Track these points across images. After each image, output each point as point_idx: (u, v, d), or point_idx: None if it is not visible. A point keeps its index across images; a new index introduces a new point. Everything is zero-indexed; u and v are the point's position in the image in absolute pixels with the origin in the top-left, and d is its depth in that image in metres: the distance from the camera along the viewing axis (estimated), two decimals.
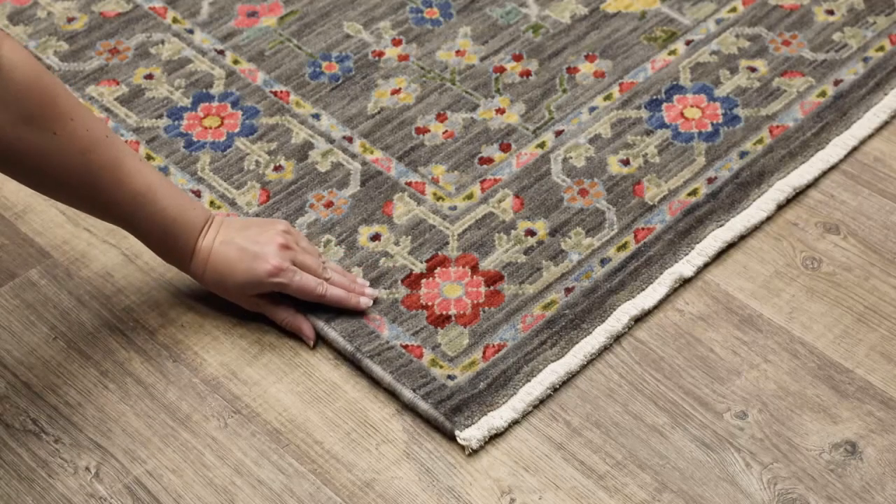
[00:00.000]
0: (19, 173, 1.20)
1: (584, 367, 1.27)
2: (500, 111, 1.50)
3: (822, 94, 1.51)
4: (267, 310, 1.30)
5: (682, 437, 1.22)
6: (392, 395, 1.26)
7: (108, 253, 1.38)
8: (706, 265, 1.35)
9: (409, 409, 1.24)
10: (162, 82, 1.54)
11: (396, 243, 1.38)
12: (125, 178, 1.22)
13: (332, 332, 1.29)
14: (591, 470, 1.20)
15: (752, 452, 1.21)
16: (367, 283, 1.33)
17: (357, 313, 1.31)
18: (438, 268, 1.35)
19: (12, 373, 1.28)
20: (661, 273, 1.34)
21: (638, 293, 1.32)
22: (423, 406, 1.24)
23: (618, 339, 1.30)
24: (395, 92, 1.53)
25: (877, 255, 1.36)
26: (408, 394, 1.24)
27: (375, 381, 1.26)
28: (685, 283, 1.34)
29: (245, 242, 1.27)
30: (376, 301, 1.32)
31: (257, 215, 1.40)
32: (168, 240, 1.26)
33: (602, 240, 1.37)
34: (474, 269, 1.35)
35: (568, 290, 1.33)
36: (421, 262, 1.36)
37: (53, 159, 1.18)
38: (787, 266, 1.35)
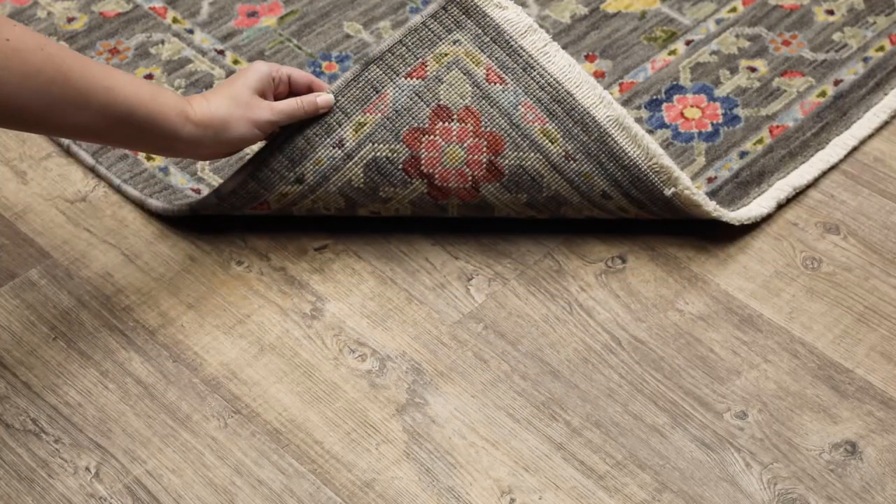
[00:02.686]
0: None
1: (583, 367, 1.27)
2: None
3: (822, 94, 1.51)
4: (281, 108, 1.30)
5: (682, 437, 1.22)
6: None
7: (108, 253, 1.38)
8: (707, 263, 1.35)
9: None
10: (162, 82, 1.54)
11: None
12: (90, 62, 1.18)
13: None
14: (591, 470, 1.20)
15: (752, 452, 1.21)
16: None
17: None
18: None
19: (12, 373, 1.28)
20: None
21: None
22: None
23: (618, 338, 1.30)
24: None
25: (877, 255, 1.36)
26: None
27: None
28: (685, 283, 1.34)
29: (231, 77, 1.31)
30: None
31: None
32: (159, 96, 1.22)
33: None
34: None
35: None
36: None
37: (15, 63, 1.12)
38: (787, 266, 1.35)
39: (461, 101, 1.27)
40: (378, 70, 1.30)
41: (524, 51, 1.26)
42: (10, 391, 1.26)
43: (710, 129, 1.48)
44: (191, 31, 1.60)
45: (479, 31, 1.20)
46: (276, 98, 1.33)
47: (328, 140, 1.30)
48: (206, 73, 1.55)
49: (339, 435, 1.23)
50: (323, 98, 1.31)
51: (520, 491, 1.19)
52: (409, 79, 1.26)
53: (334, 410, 1.25)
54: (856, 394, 1.25)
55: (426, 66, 1.25)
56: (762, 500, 1.18)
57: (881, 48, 1.56)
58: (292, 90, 1.33)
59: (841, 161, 1.45)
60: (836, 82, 1.52)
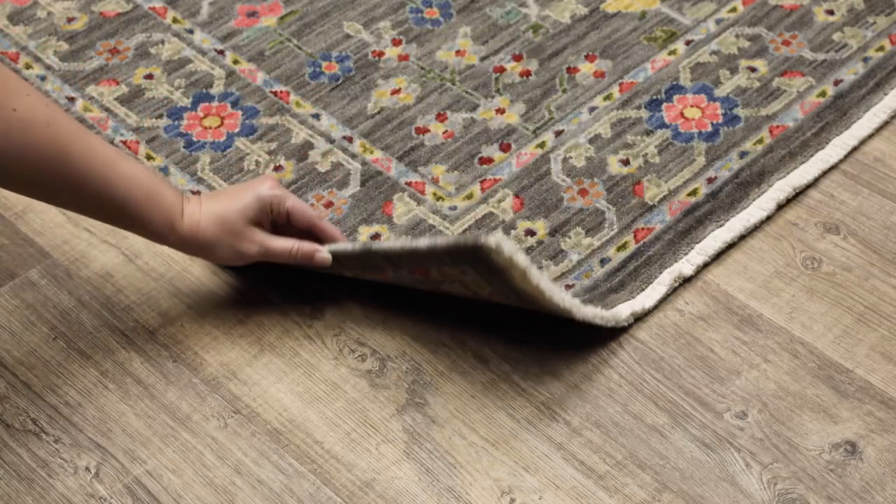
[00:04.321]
0: None
1: (583, 367, 1.27)
2: (500, 111, 1.50)
3: (822, 94, 1.51)
4: (271, 245, 1.25)
5: (682, 437, 1.22)
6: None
7: (108, 253, 1.38)
8: (706, 265, 1.35)
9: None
10: (162, 82, 1.54)
11: None
12: (95, 145, 1.18)
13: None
14: (591, 470, 1.20)
15: (752, 452, 1.21)
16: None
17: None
18: None
19: (12, 373, 1.28)
20: (661, 273, 1.34)
21: (637, 293, 1.32)
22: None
23: (618, 338, 1.30)
24: (395, 92, 1.53)
25: (877, 255, 1.36)
26: None
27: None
28: (685, 283, 1.34)
29: (235, 187, 1.27)
30: None
31: None
32: (152, 199, 1.21)
33: (602, 240, 1.37)
34: None
35: (568, 287, 1.33)
36: None
37: (18, 137, 1.12)
38: (787, 266, 1.35)
39: (463, 290, 1.26)
40: (381, 259, 1.26)
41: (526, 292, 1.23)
42: (10, 391, 1.26)
43: (710, 129, 1.48)
44: (191, 31, 1.60)
45: (487, 269, 1.18)
46: (276, 223, 1.28)
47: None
48: (206, 73, 1.55)
49: (339, 435, 1.23)
50: (320, 256, 1.27)
51: (520, 491, 1.19)
52: (411, 273, 1.25)
53: (334, 410, 1.25)
54: (856, 394, 1.25)
55: (430, 272, 1.24)
56: (762, 500, 1.18)
57: (881, 48, 1.56)
58: (291, 224, 1.28)
59: (841, 161, 1.45)
60: (836, 82, 1.52)
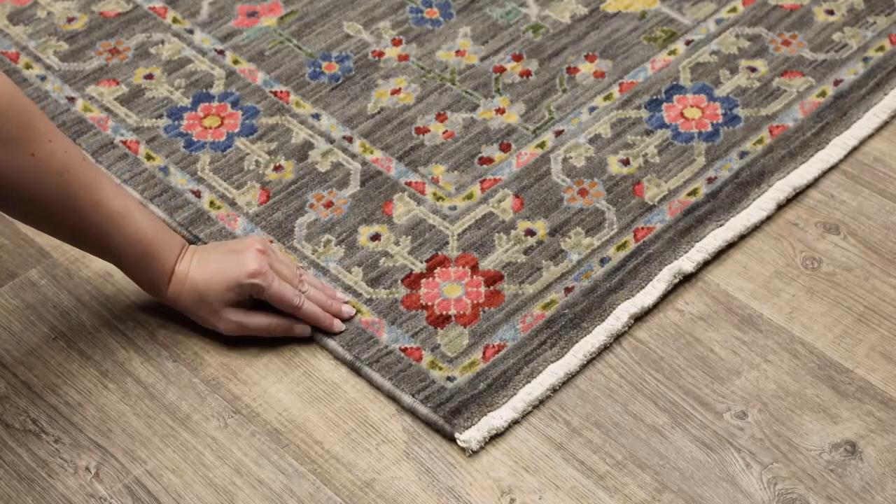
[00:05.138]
0: None
1: (584, 367, 1.27)
2: (500, 111, 1.50)
3: (822, 94, 1.51)
4: (248, 324, 1.28)
5: (682, 437, 1.22)
6: (392, 397, 1.26)
7: None
8: (706, 264, 1.35)
9: (409, 411, 1.25)
10: (162, 82, 1.54)
11: (396, 243, 1.38)
12: (103, 200, 1.21)
13: (330, 341, 1.29)
14: (591, 470, 1.20)
15: (752, 452, 1.21)
16: (345, 300, 1.31)
17: (356, 321, 1.31)
18: (438, 268, 1.35)
19: (12, 373, 1.28)
20: (661, 270, 1.34)
21: (637, 291, 1.32)
22: (423, 410, 1.24)
23: (618, 338, 1.30)
24: (395, 92, 1.53)
25: (877, 255, 1.36)
26: (407, 399, 1.24)
27: (376, 385, 1.26)
28: (685, 283, 1.34)
29: (223, 253, 1.28)
30: (376, 302, 1.32)
31: (257, 215, 1.40)
32: (145, 262, 1.25)
33: (602, 239, 1.37)
34: (474, 269, 1.35)
35: (568, 290, 1.33)
36: (421, 262, 1.36)
37: (31, 180, 1.17)
38: (787, 266, 1.35)
39: None
40: None
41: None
42: (10, 391, 1.26)
43: (710, 129, 1.48)
44: (191, 31, 1.60)
45: None
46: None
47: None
48: (206, 73, 1.55)
49: (339, 435, 1.23)
50: (299, 329, 1.28)
51: (520, 491, 1.19)
52: None
53: (334, 410, 1.25)
54: (856, 394, 1.25)
55: None
56: (762, 500, 1.17)
57: (881, 48, 1.56)
58: (272, 305, 1.28)
59: (841, 161, 1.45)
60: (836, 82, 1.52)
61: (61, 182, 1.18)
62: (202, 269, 1.27)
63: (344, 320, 1.30)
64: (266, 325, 1.28)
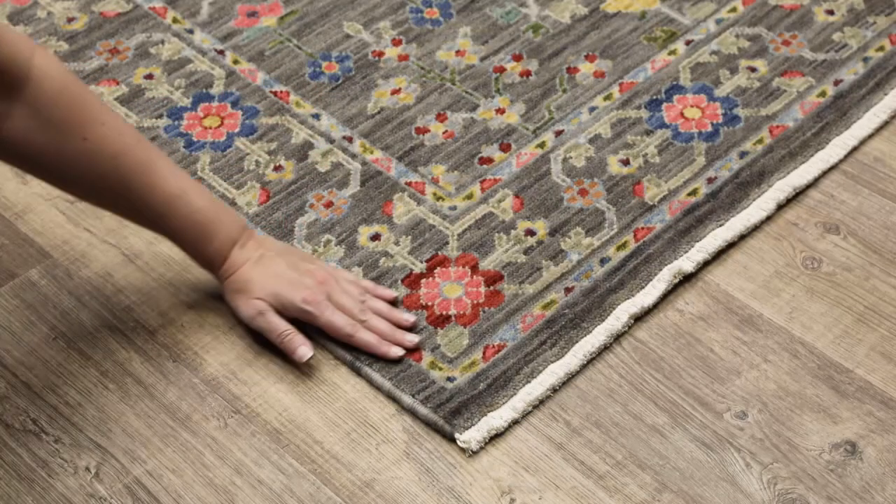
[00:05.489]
0: (52, 178, 1.22)
1: (584, 367, 1.27)
2: (500, 111, 1.50)
3: (822, 94, 1.51)
4: (269, 319, 1.27)
5: (682, 437, 1.22)
6: (392, 397, 1.26)
7: (108, 253, 1.38)
8: (706, 264, 1.35)
9: (409, 411, 1.24)
10: (162, 82, 1.54)
11: (396, 243, 1.38)
12: (158, 181, 1.22)
13: (329, 341, 1.29)
14: (591, 470, 1.20)
15: (752, 452, 1.21)
16: (411, 321, 1.29)
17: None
18: (438, 268, 1.35)
19: (12, 373, 1.28)
20: (661, 270, 1.34)
21: (637, 291, 1.32)
22: (423, 410, 1.24)
23: (618, 338, 1.30)
24: (395, 92, 1.53)
25: (877, 255, 1.36)
26: (407, 399, 1.24)
27: (375, 385, 1.26)
28: (685, 283, 1.34)
29: (288, 266, 1.28)
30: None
31: (257, 215, 1.40)
32: (201, 243, 1.26)
33: (602, 239, 1.37)
34: (474, 269, 1.35)
35: (568, 290, 1.33)
36: (421, 262, 1.36)
37: (84, 164, 1.19)
38: (787, 266, 1.35)
39: None
40: None
41: None
42: (10, 391, 1.26)
43: (710, 129, 1.48)
44: (191, 31, 1.60)
45: None
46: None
47: None
48: (206, 73, 1.55)
49: (339, 435, 1.23)
50: (301, 352, 1.26)
51: (520, 491, 1.19)
52: None
53: (334, 410, 1.25)
54: (856, 394, 1.25)
55: None
56: (762, 500, 1.17)
57: (881, 48, 1.56)
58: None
59: (841, 161, 1.45)
60: (836, 82, 1.52)
61: (115, 165, 1.19)
62: (261, 272, 1.27)
63: (407, 350, 1.28)
64: (280, 330, 1.26)
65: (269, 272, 1.27)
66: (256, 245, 1.28)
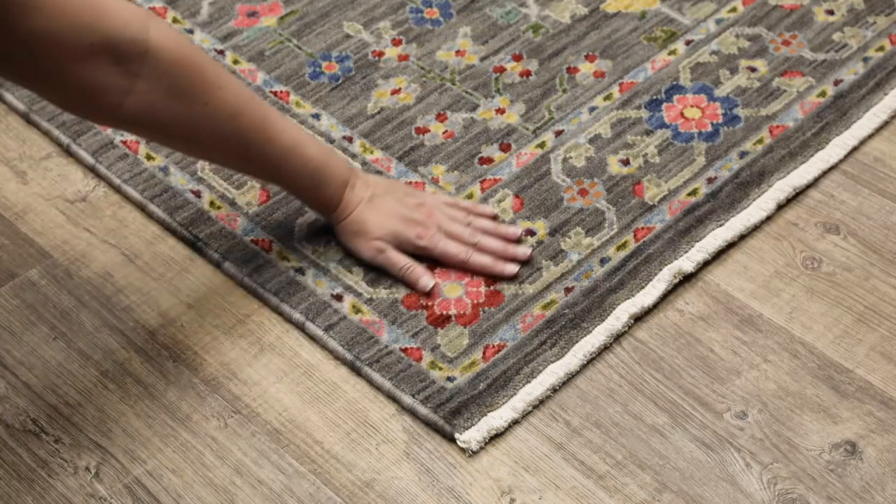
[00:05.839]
0: (174, 142, 1.27)
1: (584, 367, 1.27)
2: (500, 111, 1.50)
3: (822, 94, 1.51)
4: (390, 256, 1.33)
5: (682, 437, 1.22)
6: (392, 397, 1.26)
7: (108, 253, 1.38)
8: (706, 264, 1.35)
9: (409, 411, 1.25)
10: None
11: None
12: (273, 136, 1.27)
13: (331, 340, 1.29)
14: (591, 470, 1.20)
15: (752, 452, 1.21)
16: (519, 234, 1.36)
17: (356, 321, 1.31)
18: (438, 268, 1.35)
19: (12, 373, 1.28)
20: (661, 270, 1.34)
21: (637, 291, 1.32)
22: (423, 410, 1.24)
23: (618, 338, 1.30)
24: (395, 92, 1.53)
25: (877, 255, 1.36)
26: (407, 399, 1.24)
27: (376, 385, 1.27)
28: (685, 283, 1.34)
29: (397, 201, 1.34)
30: (376, 302, 1.32)
31: (257, 215, 1.40)
32: (316, 190, 1.32)
33: (602, 239, 1.37)
34: None
35: (568, 290, 1.33)
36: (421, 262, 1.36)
37: (206, 127, 1.23)
38: (787, 266, 1.35)
39: None
40: None
41: None
42: (10, 391, 1.26)
43: (710, 129, 1.48)
44: (191, 31, 1.60)
45: None
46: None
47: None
48: None
49: (339, 435, 1.23)
50: (424, 281, 1.32)
51: (520, 491, 1.19)
52: None
53: (334, 410, 1.25)
54: (856, 394, 1.25)
55: None
56: (762, 500, 1.18)
57: (881, 48, 1.56)
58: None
59: (841, 161, 1.45)
60: (836, 82, 1.52)
61: (234, 126, 1.24)
62: (376, 213, 1.33)
63: (521, 261, 1.34)
64: (401, 266, 1.33)
65: (382, 212, 1.33)
66: (364, 185, 1.34)
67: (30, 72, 1.13)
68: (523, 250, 1.34)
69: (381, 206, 1.33)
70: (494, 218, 1.38)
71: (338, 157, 1.34)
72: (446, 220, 1.34)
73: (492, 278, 1.33)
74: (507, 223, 1.37)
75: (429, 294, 1.32)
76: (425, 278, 1.32)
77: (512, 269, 1.33)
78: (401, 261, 1.33)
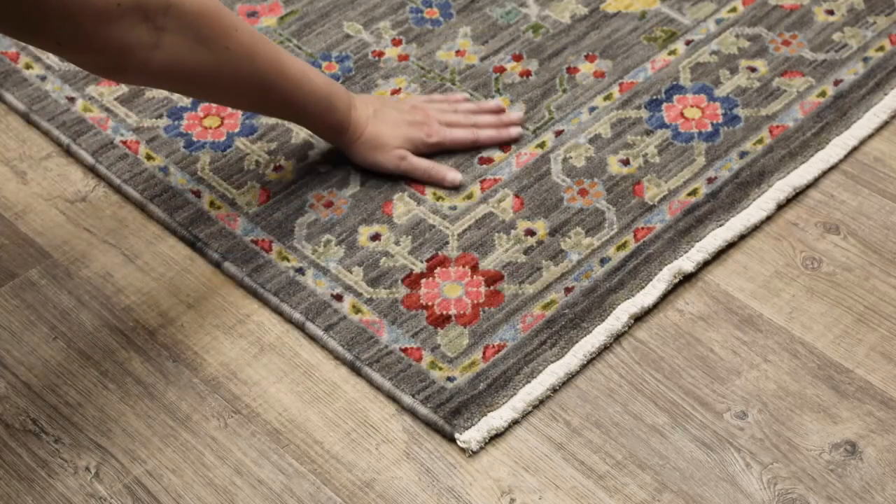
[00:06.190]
0: (197, 90, 1.32)
1: (584, 367, 1.27)
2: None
3: (822, 94, 1.51)
4: (413, 162, 1.41)
5: (682, 437, 1.22)
6: (392, 397, 1.26)
7: (108, 253, 1.38)
8: (706, 264, 1.35)
9: (409, 411, 1.25)
10: None
11: (397, 243, 1.38)
12: (285, 71, 1.32)
13: (331, 340, 1.29)
14: (591, 470, 1.20)
15: (752, 452, 1.21)
16: (498, 103, 1.48)
17: (356, 321, 1.31)
18: (438, 268, 1.35)
19: (12, 373, 1.28)
20: (661, 270, 1.34)
21: (637, 291, 1.32)
22: (423, 410, 1.24)
23: (618, 338, 1.30)
24: (395, 92, 1.53)
25: (877, 255, 1.36)
26: (407, 399, 1.24)
27: (376, 385, 1.27)
28: (685, 283, 1.34)
29: (397, 113, 1.42)
30: (376, 302, 1.32)
31: (257, 215, 1.40)
32: (327, 115, 1.37)
33: (602, 239, 1.37)
34: (474, 268, 1.35)
35: (568, 290, 1.33)
36: (421, 262, 1.36)
37: (228, 71, 1.27)
38: (787, 266, 1.35)
39: None
40: None
41: None
42: (10, 391, 1.26)
43: (710, 129, 1.48)
44: None
45: None
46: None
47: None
48: None
49: (339, 435, 1.23)
50: (451, 176, 1.41)
51: (520, 491, 1.19)
52: None
53: (334, 410, 1.25)
54: (856, 394, 1.25)
55: None
56: (762, 500, 1.18)
57: (881, 48, 1.56)
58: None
59: (841, 161, 1.45)
60: (836, 82, 1.52)
61: (252, 66, 1.29)
62: (386, 126, 1.41)
63: (517, 124, 1.47)
64: (425, 168, 1.41)
65: (389, 123, 1.41)
66: (364, 104, 1.41)
67: (65, 38, 1.15)
68: (515, 115, 1.47)
69: (387, 118, 1.41)
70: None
71: (337, 84, 1.39)
72: (440, 113, 1.44)
73: (505, 145, 1.45)
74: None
75: (457, 188, 1.41)
76: (452, 174, 1.41)
77: (516, 131, 1.46)
78: (423, 163, 1.41)
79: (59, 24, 1.13)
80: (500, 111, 1.47)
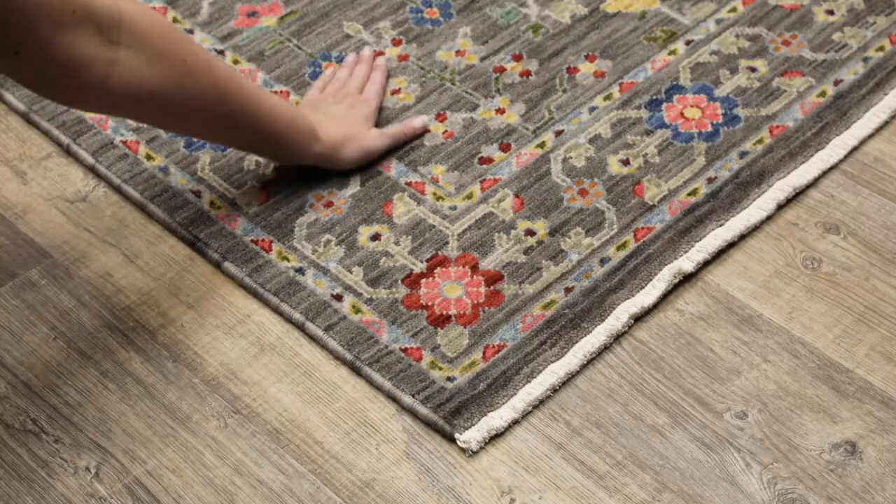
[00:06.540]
0: (162, 114, 1.27)
1: (584, 367, 1.27)
2: (500, 111, 1.50)
3: (822, 94, 1.51)
4: (391, 134, 1.45)
5: (682, 437, 1.22)
6: (392, 397, 1.26)
7: (108, 253, 1.38)
8: (706, 264, 1.35)
9: (409, 411, 1.25)
10: None
11: (396, 243, 1.38)
12: (243, 84, 1.31)
13: (331, 340, 1.29)
14: (591, 470, 1.20)
15: (752, 452, 1.21)
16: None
17: (356, 321, 1.31)
18: (438, 268, 1.35)
19: (12, 373, 1.28)
20: (661, 270, 1.34)
21: (637, 291, 1.32)
22: (423, 410, 1.24)
23: (618, 338, 1.30)
24: (395, 92, 1.53)
25: (877, 255, 1.36)
26: (407, 399, 1.24)
27: (376, 385, 1.27)
28: (685, 283, 1.34)
29: (335, 105, 1.44)
30: (376, 302, 1.32)
31: (257, 215, 1.40)
32: (294, 125, 1.36)
33: (602, 239, 1.37)
34: (474, 268, 1.35)
35: (568, 290, 1.33)
36: (421, 262, 1.36)
37: (189, 85, 1.25)
38: (787, 266, 1.35)
39: None
40: None
41: None
42: (10, 391, 1.26)
43: (710, 129, 1.48)
44: (191, 31, 1.60)
45: None
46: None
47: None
48: None
49: (339, 435, 1.23)
50: (420, 120, 1.47)
51: (520, 491, 1.19)
52: None
53: (334, 410, 1.25)
54: (856, 394, 1.25)
55: None
56: (762, 500, 1.18)
57: (881, 48, 1.56)
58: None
59: (841, 161, 1.45)
60: (836, 82, 1.52)
61: (211, 80, 1.27)
62: (343, 120, 1.42)
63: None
64: (400, 129, 1.46)
65: (340, 115, 1.43)
66: (311, 106, 1.44)
67: (24, 45, 1.13)
68: (367, 49, 1.55)
69: (336, 112, 1.43)
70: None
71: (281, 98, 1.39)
72: (347, 88, 1.47)
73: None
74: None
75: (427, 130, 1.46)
76: (417, 119, 1.47)
77: (382, 59, 1.54)
78: (395, 126, 1.45)
79: (17, 28, 1.11)
80: (358, 61, 1.53)
